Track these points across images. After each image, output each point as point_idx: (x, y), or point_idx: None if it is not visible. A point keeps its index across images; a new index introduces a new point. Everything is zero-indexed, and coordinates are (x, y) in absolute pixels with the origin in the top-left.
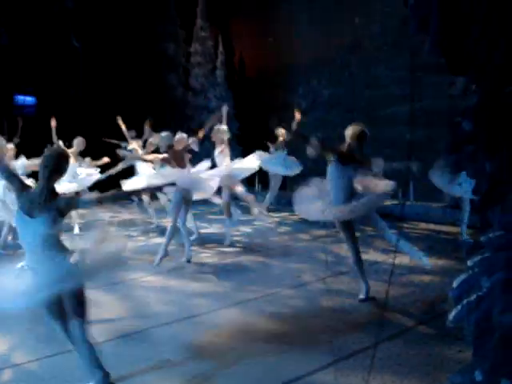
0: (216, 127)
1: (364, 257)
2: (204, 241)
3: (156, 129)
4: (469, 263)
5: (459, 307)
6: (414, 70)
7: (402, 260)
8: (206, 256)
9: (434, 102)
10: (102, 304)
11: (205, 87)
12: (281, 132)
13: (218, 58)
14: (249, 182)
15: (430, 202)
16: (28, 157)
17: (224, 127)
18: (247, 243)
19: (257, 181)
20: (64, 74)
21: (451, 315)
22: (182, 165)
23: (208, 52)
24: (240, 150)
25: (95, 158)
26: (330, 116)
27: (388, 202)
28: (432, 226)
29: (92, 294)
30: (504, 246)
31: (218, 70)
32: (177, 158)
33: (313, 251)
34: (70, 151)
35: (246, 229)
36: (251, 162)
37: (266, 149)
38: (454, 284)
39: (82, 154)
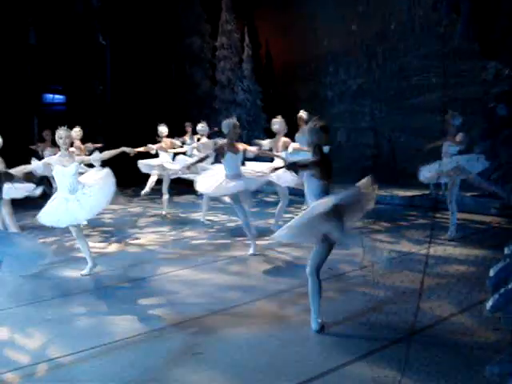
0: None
1: (397, 247)
2: (233, 233)
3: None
4: (506, 251)
5: (496, 296)
6: (444, 57)
7: (437, 250)
8: (236, 248)
9: (465, 89)
10: (134, 299)
11: (232, 81)
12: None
13: (245, 50)
14: None
15: (463, 192)
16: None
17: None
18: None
19: None
20: (92, 72)
21: (488, 304)
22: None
23: (234, 45)
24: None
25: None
26: (358, 107)
27: (419, 193)
28: (465, 216)
29: (124, 290)
30: None
31: (244, 63)
32: None
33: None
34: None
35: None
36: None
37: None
38: (491, 272)
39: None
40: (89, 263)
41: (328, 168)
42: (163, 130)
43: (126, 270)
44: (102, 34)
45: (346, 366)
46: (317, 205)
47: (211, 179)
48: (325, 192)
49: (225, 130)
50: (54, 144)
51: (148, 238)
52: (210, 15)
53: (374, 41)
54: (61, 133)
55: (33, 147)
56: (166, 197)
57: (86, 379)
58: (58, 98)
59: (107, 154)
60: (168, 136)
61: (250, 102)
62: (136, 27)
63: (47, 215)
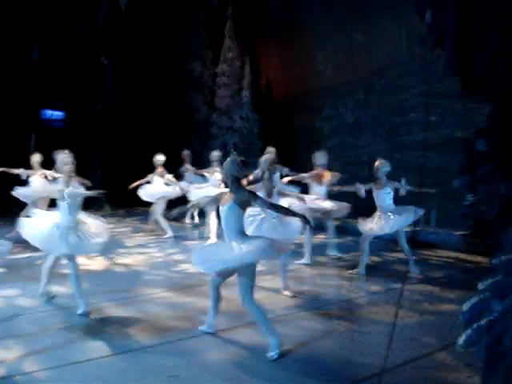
0: None
1: (379, 282)
2: None
3: (180, 148)
4: (480, 286)
5: (469, 331)
6: (433, 97)
7: (421, 287)
8: None
9: (455, 130)
10: (116, 319)
11: (230, 108)
12: None
13: (245, 78)
14: None
15: (452, 230)
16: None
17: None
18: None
19: None
20: (92, 90)
21: (461, 339)
22: None
23: (235, 73)
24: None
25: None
26: (354, 140)
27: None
28: (452, 254)
29: (107, 309)
30: None
31: (244, 90)
32: None
33: (328, 276)
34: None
35: None
36: None
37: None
38: (464, 307)
39: None
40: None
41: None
42: (160, 158)
43: (110, 288)
44: (104, 53)
45: None
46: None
47: None
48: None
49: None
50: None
51: (135, 258)
52: (212, 41)
53: (374, 76)
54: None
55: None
56: (162, 219)
57: None
58: (57, 114)
59: None
60: (164, 165)
61: (246, 129)
62: (138, 49)
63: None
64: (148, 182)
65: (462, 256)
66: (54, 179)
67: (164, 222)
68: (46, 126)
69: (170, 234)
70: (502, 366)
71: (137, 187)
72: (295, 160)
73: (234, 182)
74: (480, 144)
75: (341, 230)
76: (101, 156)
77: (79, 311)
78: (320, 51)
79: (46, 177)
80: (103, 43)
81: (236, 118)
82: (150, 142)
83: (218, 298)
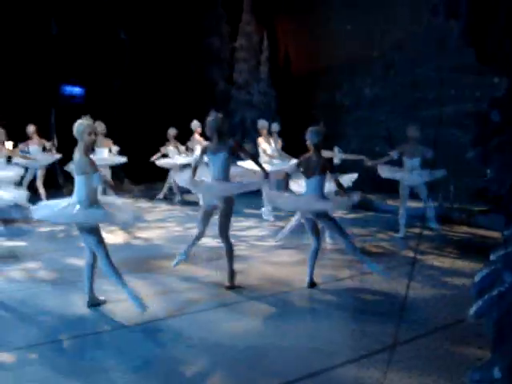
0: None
1: (398, 255)
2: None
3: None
4: (491, 257)
5: (480, 302)
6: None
7: (435, 261)
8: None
9: (475, 104)
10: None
11: (248, 82)
12: None
13: (263, 53)
14: None
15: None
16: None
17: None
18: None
19: None
20: (111, 66)
21: (472, 310)
22: None
23: (253, 47)
24: (282, 146)
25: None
26: (374, 114)
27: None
28: (469, 229)
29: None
30: None
31: (262, 65)
32: None
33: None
34: None
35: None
36: None
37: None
38: (476, 278)
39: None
40: None
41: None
42: (172, 132)
43: (130, 261)
44: (123, 28)
45: (335, 369)
46: None
47: None
48: None
49: None
50: None
51: (154, 232)
52: (230, 16)
53: (391, 50)
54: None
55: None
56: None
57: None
58: (77, 90)
59: None
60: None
61: (264, 104)
62: (157, 24)
63: None
64: (164, 156)
65: (479, 232)
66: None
67: (176, 187)
68: (65, 102)
69: (179, 197)
70: (511, 337)
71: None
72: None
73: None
74: (494, 115)
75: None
76: (120, 131)
77: None
78: (337, 26)
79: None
80: (122, 18)
81: (254, 92)
82: (169, 117)
83: None
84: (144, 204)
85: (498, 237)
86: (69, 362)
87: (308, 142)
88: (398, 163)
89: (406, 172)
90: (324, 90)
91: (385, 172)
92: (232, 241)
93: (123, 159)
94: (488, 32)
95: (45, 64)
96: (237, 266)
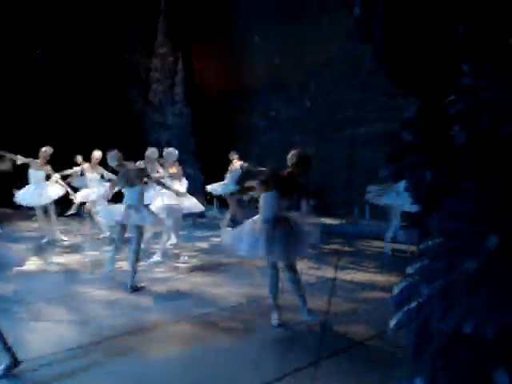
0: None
1: (318, 273)
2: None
3: (114, 143)
4: (408, 270)
5: (399, 314)
6: (365, 92)
7: (355, 277)
8: (159, 271)
9: (388, 125)
10: (52, 316)
11: (163, 104)
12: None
13: (178, 74)
14: (208, 201)
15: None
16: None
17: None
18: (202, 259)
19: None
20: (24, 82)
21: (392, 322)
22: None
23: (168, 68)
24: (198, 166)
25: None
26: (289, 136)
27: (337, 222)
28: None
29: (43, 307)
30: (443, 254)
31: (176, 86)
32: None
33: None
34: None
35: (203, 245)
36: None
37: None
38: (395, 290)
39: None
40: None
41: None
42: (96, 154)
43: (45, 287)
44: (37, 43)
45: None
46: None
47: None
48: None
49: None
50: None
51: (69, 258)
52: (143, 36)
53: (307, 73)
54: None
55: None
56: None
57: None
58: None
59: None
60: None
61: (180, 126)
62: (72, 39)
63: None
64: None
65: (396, 246)
66: None
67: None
68: None
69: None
70: (430, 348)
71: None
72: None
73: None
74: (406, 134)
75: None
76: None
77: None
78: (253, 49)
79: None
80: (36, 33)
81: (169, 114)
82: (84, 137)
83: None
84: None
85: (411, 250)
86: None
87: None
88: None
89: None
90: (240, 111)
91: None
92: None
93: None
94: (400, 56)
95: None
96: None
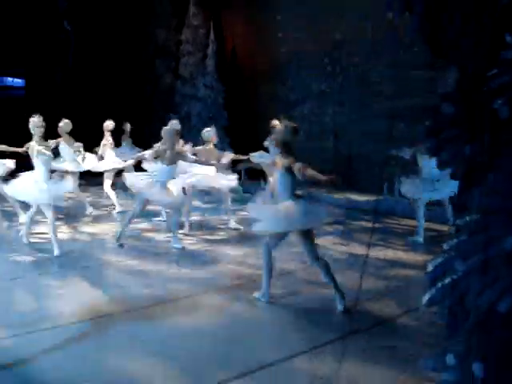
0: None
1: (347, 250)
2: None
3: (143, 116)
4: (444, 246)
5: (433, 290)
6: (400, 66)
7: (387, 254)
8: (189, 243)
9: (424, 99)
10: (81, 285)
11: (194, 76)
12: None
13: (209, 46)
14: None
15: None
16: (19, 138)
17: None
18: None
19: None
20: (54, 58)
21: (425, 298)
22: None
23: (199, 41)
24: (228, 141)
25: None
26: (320, 109)
27: (373, 197)
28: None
29: (73, 276)
30: (481, 229)
31: (208, 59)
32: None
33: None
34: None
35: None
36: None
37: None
38: (429, 267)
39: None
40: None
41: None
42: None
43: (76, 256)
44: (67, 19)
45: (288, 360)
46: None
47: None
48: None
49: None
50: None
51: (100, 227)
52: (176, 9)
53: (339, 46)
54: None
55: None
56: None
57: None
58: (18, 81)
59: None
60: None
61: (211, 98)
62: (102, 15)
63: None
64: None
65: (427, 225)
66: None
67: (113, 195)
68: (6, 94)
69: (118, 208)
70: (465, 325)
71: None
72: (260, 129)
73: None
74: (446, 107)
75: None
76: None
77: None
78: (285, 20)
79: None
80: (66, 8)
81: (200, 86)
82: (113, 110)
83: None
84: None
85: (444, 229)
86: None
87: None
88: None
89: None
90: (270, 84)
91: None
92: None
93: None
94: (441, 26)
95: None
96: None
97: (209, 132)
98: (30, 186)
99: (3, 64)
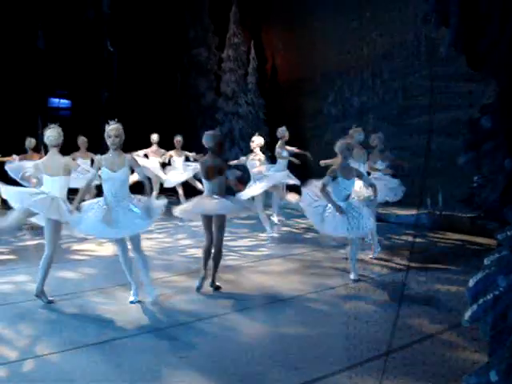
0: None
1: (388, 264)
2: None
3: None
4: (485, 262)
5: (475, 307)
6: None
7: (428, 267)
8: (230, 259)
9: (463, 112)
10: (126, 301)
11: (236, 93)
12: None
13: (250, 63)
14: None
15: (459, 213)
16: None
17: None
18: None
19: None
20: (98, 78)
21: (467, 314)
22: None
23: (240, 58)
24: (269, 154)
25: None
26: (362, 124)
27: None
28: (459, 236)
29: (118, 292)
30: None
31: (249, 75)
32: None
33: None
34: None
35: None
36: None
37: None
38: (470, 283)
39: None
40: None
41: None
42: (154, 137)
43: (120, 272)
44: (110, 40)
45: (329, 377)
46: None
47: None
48: None
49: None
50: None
51: (143, 243)
52: (217, 27)
53: (379, 59)
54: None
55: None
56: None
57: (74, 378)
58: (64, 102)
59: None
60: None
61: (252, 114)
62: (144, 36)
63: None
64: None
65: (469, 238)
66: None
67: None
68: (53, 114)
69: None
70: (508, 341)
71: None
72: (302, 144)
73: None
74: (485, 120)
75: None
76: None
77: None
78: (324, 36)
79: None
80: (109, 30)
81: (242, 103)
82: (157, 129)
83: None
84: None
85: (487, 243)
86: None
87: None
88: None
89: None
90: (311, 99)
91: None
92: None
93: None
94: (479, 38)
95: (32, 77)
96: (228, 275)
97: (283, 130)
98: None
99: (50, 86)
